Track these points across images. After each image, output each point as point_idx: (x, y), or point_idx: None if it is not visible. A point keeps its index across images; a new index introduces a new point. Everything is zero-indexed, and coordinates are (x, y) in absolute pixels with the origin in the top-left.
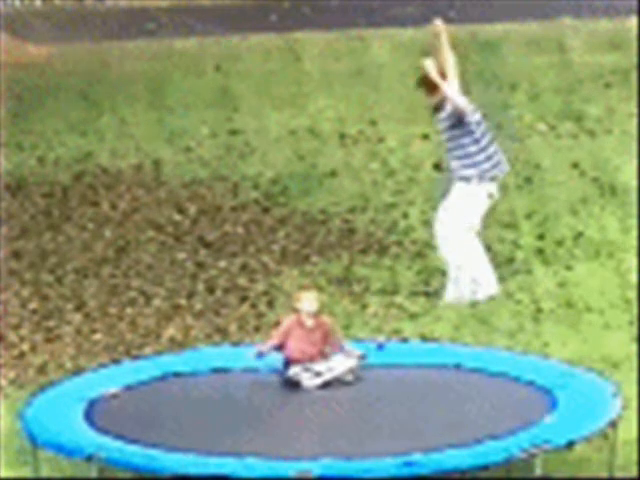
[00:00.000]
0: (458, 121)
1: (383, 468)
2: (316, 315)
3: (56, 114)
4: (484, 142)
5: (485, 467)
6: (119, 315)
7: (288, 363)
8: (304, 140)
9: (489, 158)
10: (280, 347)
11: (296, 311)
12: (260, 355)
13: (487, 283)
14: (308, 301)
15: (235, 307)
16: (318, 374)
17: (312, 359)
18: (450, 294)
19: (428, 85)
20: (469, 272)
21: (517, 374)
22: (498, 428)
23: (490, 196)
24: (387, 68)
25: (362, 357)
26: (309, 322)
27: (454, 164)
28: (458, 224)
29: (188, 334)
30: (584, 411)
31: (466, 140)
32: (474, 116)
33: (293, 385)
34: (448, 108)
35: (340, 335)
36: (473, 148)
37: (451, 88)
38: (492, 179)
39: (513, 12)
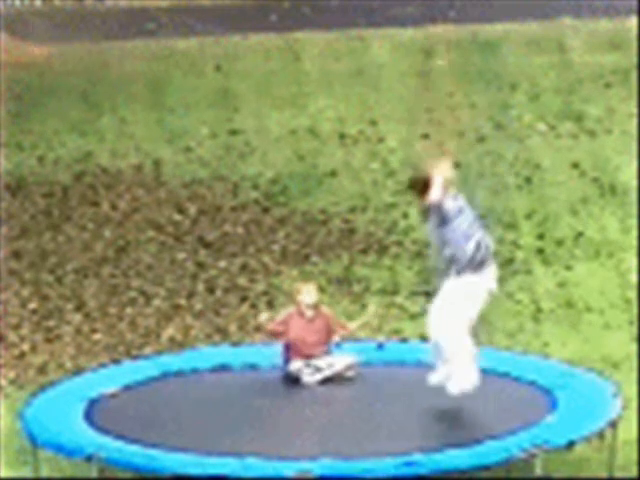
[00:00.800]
0: (443, 220)
1: (383, 468)
2: (316, 306)
3: (56, 114)
4: (470, 232)
5: (485, 467)
6: (119, 315)
7: (289, 357)
8: (304, 140)
9: (478, 246)
10: (279, 335)
11: (297, 304)
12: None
13: (468, 379)
14: (307, 293)
15: (235, 307)
16: (319, 369)
17: (313, 348)
18: (434, 377)
19: (418, 188)
20: (453, 364)
21: (517, 374)
22: (498, 428)
23: (489, 292)
24: (387, 68)
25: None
26: (309, 312)
27: (447, 261)
28: (455, 318)
29: (188, 334)
30: (584, 411)
31: (452, 235)
32: (453, 205)
33: (294, 381)
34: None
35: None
36: (461, 240)
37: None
38: (483, 265)
39: (513, 12)
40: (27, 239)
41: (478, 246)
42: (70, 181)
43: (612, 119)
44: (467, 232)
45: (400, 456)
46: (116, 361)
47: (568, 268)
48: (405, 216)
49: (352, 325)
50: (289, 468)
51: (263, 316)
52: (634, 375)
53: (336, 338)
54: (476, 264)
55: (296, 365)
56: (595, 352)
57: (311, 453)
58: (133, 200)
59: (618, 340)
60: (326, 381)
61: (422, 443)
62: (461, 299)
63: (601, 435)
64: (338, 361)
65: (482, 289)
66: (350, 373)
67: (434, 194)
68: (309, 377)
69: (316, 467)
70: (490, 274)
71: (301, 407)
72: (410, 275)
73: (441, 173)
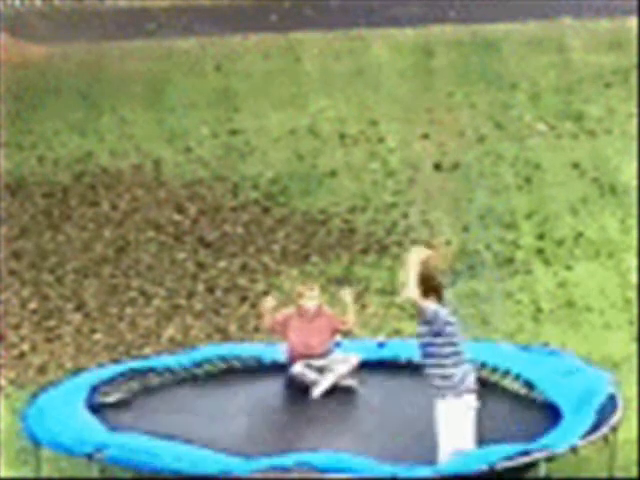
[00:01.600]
0: (434, 332)
1: (383, 468)
2: (317, 307)
3: (56, 114)
4: (456, 350)
5: (488, 470)
6: (119, 315)
7: (292, 359)
8: (304, 140)
9: (463, 369)
10: (277, 333)
11: (298, 305)
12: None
13: None
14: (310, 298)
15: (235, 307)
16: (320, 370)
17: (314, 349)
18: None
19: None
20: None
21: (517, 374)
22: (499, 431)
23: (471, 408)
24: (387, 68)
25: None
26: (310, 314)
27: (432, 380)
28: (454, 445)
29: (188, 334)
30: (584, 411)
31: (442, 350)
32: (434, 312)
33: (296, 383)
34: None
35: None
36: (447, 360)
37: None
38: (467, 391)
39: (513, 12)
40: (27, 239)
41: (463, 370)
42: (70, 181)
43: (612, 119)
44: (458, 353)
45: (401, 457)
46: (116, 361)
47: (568, 268)
48: (405, 216)
49: (349, 318)
50: (289, 468)
51: (268, 301)
52: (634, 375)
53: (337, 337)
54: (458, 390)
55: (298, 368)
56: (595, 352)
57: (311, 453)
58: (133, 200)
59: (618, 340)
60: (332, 389)
61: (423, 444)
62: (452, 429)
63: (602, 437)
64: (339, 362)
65: (464, 408)
66: (353, 382)
67: (408, 290)
68: (316, 391)
69: (316, 467)
70: (470, 394)
71: (301, 407)
72: None
73: (419, 264)
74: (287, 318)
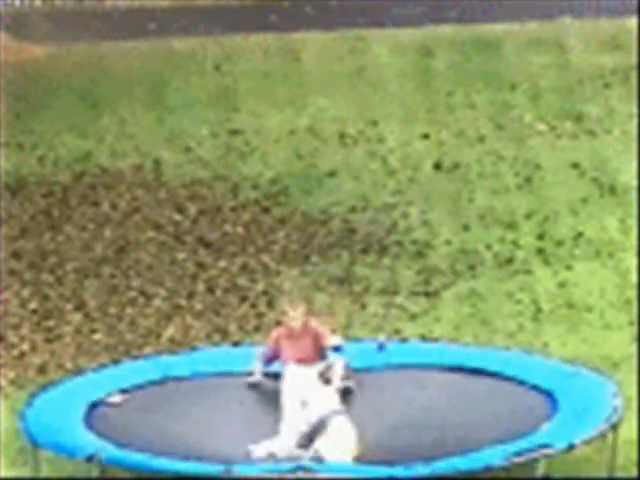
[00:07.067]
0: None
1: (383, 470)
2: (303, 322)
3: (56, 114)
4: None
5: (486, 469)
6: (119, 315)
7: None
8: (304, 140)
9: None
10: (274, 359)
11: (284, 324)
12: (253, 384)
13: None
14: (293, 320)
15: (235, 307)
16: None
17: (304, 363)
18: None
19: None
20: None
21: (517, 375)
22: (499, 430)
23: None
24: (387, 68)
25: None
26: (296, 332)
27: None
28: None
29: (188, 334)
30: (584, 412)
31: None
32: None
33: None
34: None
35: (331, 334)
36: None
37: None
38: None
39: (513, 12)
40: (27, 239)
41: None
42: (70, 181)
43: (612, 119)
44: None
45: (401, 458)
46: (116, 361)
47: (568, 268)
48: (405, 216)
49: (334, 338)
50: (288, 467)
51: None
52: (634, 375)
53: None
54: None
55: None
56: (595, 352)
57: (310, 453)
58: (133, 200)
59: (618, 340)
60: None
61: (423, 444)
62: None
63: (601, 435)
64: (326, 409)
65: None
66: (350, 383)
67: None
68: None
69: (315, 467)
70: None
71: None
72: (410, 275)
73: None
74: (276, 342)
